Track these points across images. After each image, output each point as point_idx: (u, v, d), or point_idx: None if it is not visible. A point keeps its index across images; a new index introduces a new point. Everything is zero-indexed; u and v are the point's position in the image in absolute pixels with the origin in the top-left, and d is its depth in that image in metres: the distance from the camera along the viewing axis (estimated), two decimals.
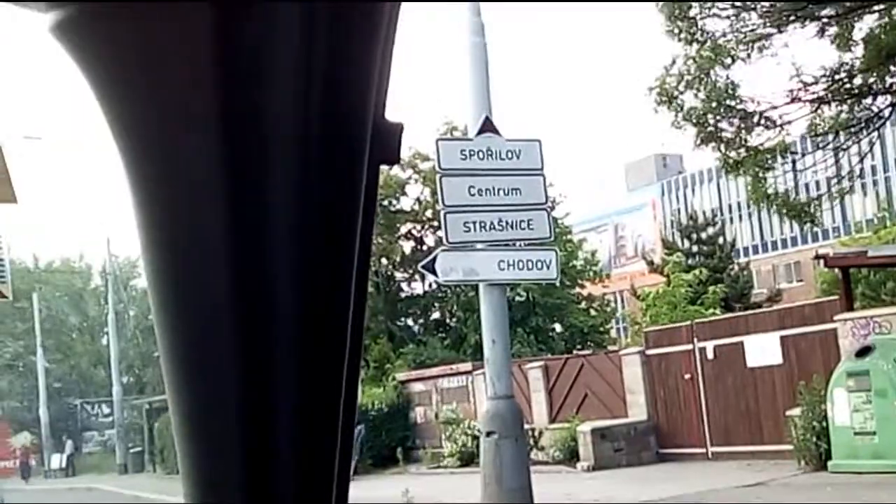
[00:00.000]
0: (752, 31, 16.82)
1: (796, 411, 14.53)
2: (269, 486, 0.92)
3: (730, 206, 64.17)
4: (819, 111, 17.92)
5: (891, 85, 17.51)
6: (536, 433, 19.56)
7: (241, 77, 0.86)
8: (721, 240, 42.19)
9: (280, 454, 0.92)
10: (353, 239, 0.94)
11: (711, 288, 27.53)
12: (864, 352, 13.77)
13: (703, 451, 17.28)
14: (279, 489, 0.92)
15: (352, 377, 0.97)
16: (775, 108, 17.32)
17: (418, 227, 34.02)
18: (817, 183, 22.18)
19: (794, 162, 19.17)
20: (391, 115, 0.98)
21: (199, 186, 0.88)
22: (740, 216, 63.40)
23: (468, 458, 19.93)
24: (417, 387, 25.11)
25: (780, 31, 16.80)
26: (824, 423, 13.87)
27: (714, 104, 16.77)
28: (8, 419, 52.12)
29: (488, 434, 12.87)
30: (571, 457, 18.31)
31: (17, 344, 52.98)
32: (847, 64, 17.17)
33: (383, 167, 1.03)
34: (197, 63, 0.85)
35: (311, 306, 0.91)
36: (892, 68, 17.06)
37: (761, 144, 17.50)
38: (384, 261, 33.29)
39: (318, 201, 0.90)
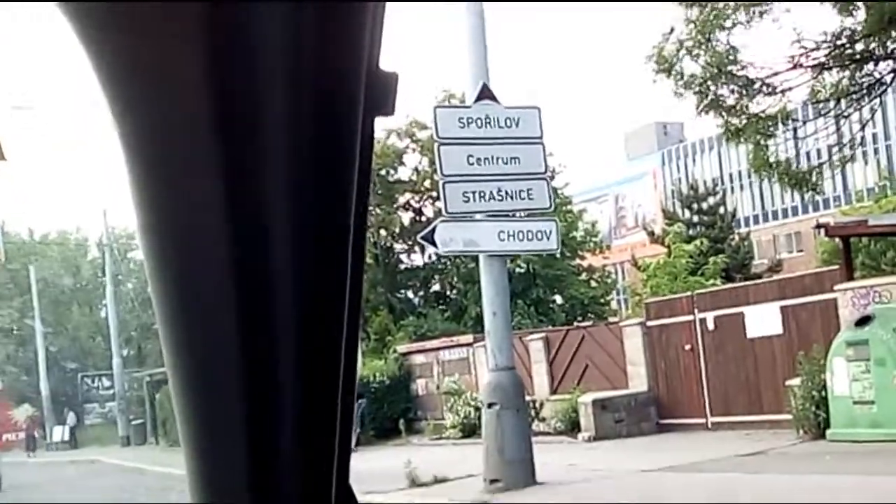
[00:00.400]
0: None
1: (796, 381, 14.50)
2: (270, 458, 0.92)
3: (731, 176, 64.00)
4: (820, 77, 17.76)
5: (892, 51, 17.35)
6: (537, 404, 19.57)
7: (232, 47, 0.84)
8: (722, 210, 42.11)
9: (280, 427, 0.92)
10: (349, 194, 0.92)
11: (712, 258, 27.46)
12: (863, 321, 13.72)
13: (703, 421, 17.28)
14: (280, 461, 0.93)
15: (351, 343, 0.96)
16: (776, 74, 17.17)
17: (417, 197, 33.89)
18: (818, 151, 22.04)
19: (795, 129, 19.05)
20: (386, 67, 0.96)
21: (192, 154, 0.87)
22: (741, 185, 63.23)
23: (470, 430, 19.96)
24: (419, 359, 25.13)
25: None
26: (823, 393, 13.85)
27: (715, 70, 16.62)
28: (8, 392, 52.22)
29: (490, 405, 12.89)
30: (572, 428, 18.33)
31: (14, 316, 52.95)
32: (849, 29, 17.00)
33: (379, 133, 0.99)
34: (187, 33, 0.84)
35: (308, 264, 0.90)
36: (894, 34, 16.89)
37: (762, 111, 17.36)
38: (383, 232, 33.21)
39: (313, 157, 0.88)
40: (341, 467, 0.98)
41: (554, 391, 20.28)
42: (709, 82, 16.96)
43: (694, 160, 69.22)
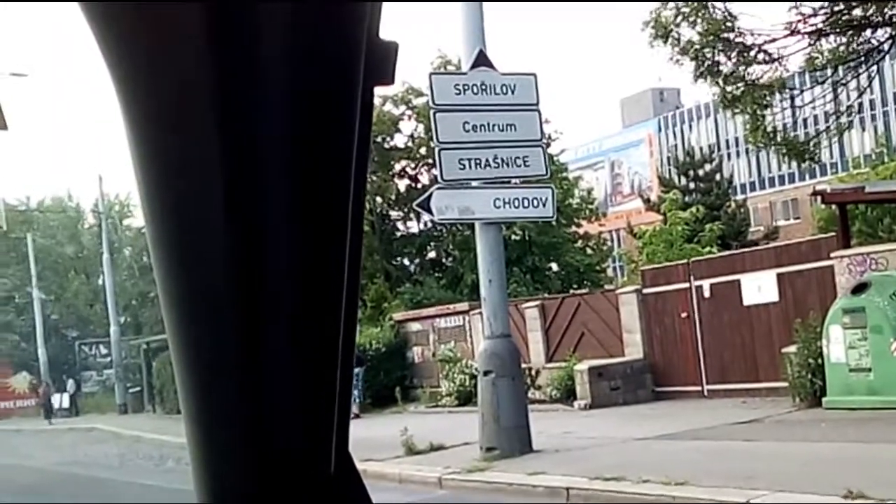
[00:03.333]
0: None
1: (792, 349, 14.51)
2: (269, 424, 0.92)
3: (727, 142, 63.88)
4: (817, 44, 17.64)
5: (890, 17, 17.23)
6: (533, 372, 19.61)
7: (234, 15, 0.84)
8: (718, 176, 42.09)
9: (279, 394, 0.92)
10: (348, 163, 0.91)
11: (708, 226, 27.44)
12: (860, 288, 13.71)
13: (699, 388, 17.32)
14: (279, 429, 0.93)
15: (350, 310, 0.96)
16: (773, 40, 17.06)
17: (413, 164, 33.78)
18: (815, 118, 21.96)
19: (792, 98, 18.96)
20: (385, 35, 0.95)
21: (192, 123, 0.86)
22: (738, 152, 63.11)
23: (466, 398, 20.00)
24: (414, 326, 25.14)
25: None
26: (820, 360, 13.86)
27: (711, 37, 16.50)
28: (6, 360, 52.28)
29: (486, 373, 12.88)
30: (568, 395, 18.36)
31: (13, 284, 52.85)
32: None
33: (375, 100, 1.00)
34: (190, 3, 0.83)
35: (308, 231, 0.90)
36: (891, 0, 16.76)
37: (759, 78, 17.27)
38: (379, 199, 33.15)
39: (312, 125, 0.88)
40: (340, 434, 0.98)
41: (550, 359, 20.31)
42: (705, 49, 16.86)
43: (690, 126, 69.02)
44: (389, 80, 0.96)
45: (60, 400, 45.75)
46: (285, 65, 0.86)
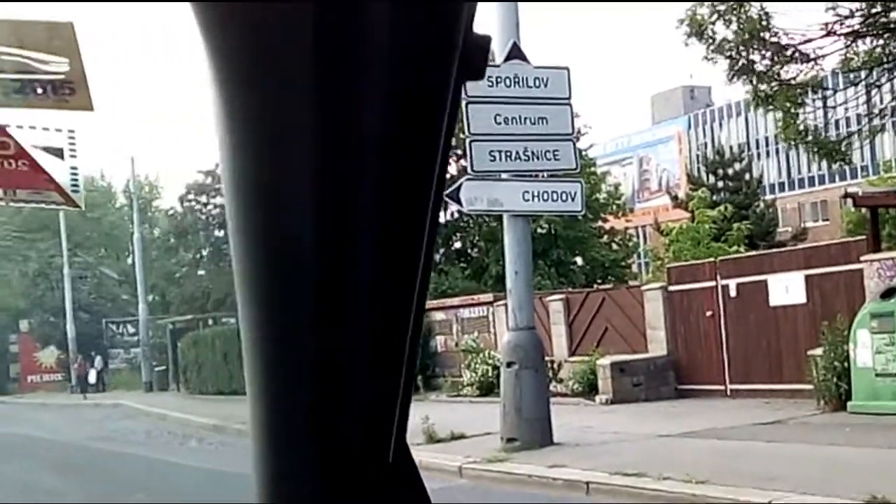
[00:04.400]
0: None
1: (818, 351, 14.43)
2: (336, 411, 0.93)
3: (757, 142, 63.43)
4: (853, 46, 17.53)
5: None
6: (556, 366, 19.62)
7: (336, 15, 0.84)
8: (747, 176, 41.79)
9: (352, 381, 0.93)
10: (435, 154, 0.91)
11: (736, 225, 27.28)
12: (889, 293, 13.62)
13: (722, 388, 17.28)
14: (346, 414, 0.94)
15: (420, 302, 0.96)
16: (809, 41, 16.97)
17: None
18: (847, 120, 21.82)
19: (825, 98, 18.86)
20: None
21: (290, 119, 0.86)
22: (768, 152, 62.68)
23: (487, 388, 20.06)
24: (438, 316, 25.19)
25: None
26: (846, 364, 13.79)
27: (747, 36, 16.44)
28: (36, 335, 52.82)
29: (509, 364, 12.92)
30: (590, 390, 18.37)
31: (45, 259, 53.35)
32: None
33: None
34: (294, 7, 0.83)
35: (393, 215, 0.90)
36: None
37: (793, 78, 17.19)
38: None
39: (405, 119, 0.88)
40: (400, 424, 0.98)
41: (572, 353, 20.32)
42: (740, 48, 16.80)
43: (721, 125, 68.58)
44: (480, 75, 0.93)
45: (88, 375, 46.33)
46: (384, 57, 0.85)
